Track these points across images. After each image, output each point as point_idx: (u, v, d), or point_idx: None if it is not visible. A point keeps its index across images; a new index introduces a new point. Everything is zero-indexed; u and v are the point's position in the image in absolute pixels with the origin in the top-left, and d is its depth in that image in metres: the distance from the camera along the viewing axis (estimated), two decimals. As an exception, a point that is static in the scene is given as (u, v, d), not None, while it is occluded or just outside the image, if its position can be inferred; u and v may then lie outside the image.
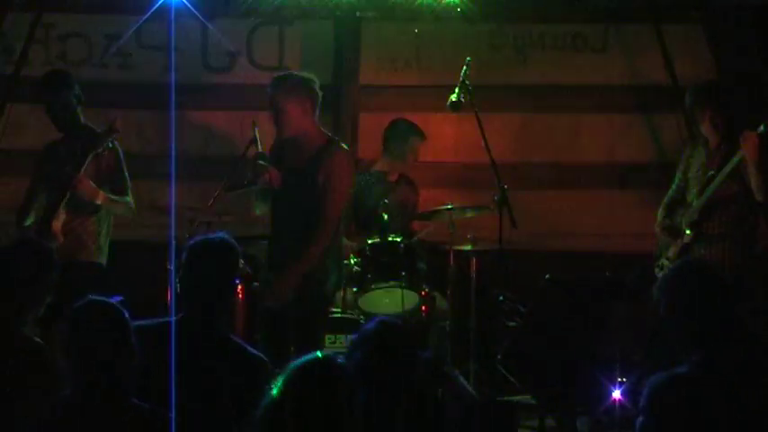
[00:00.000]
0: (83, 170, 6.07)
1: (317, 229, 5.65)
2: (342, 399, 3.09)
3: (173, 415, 3.48)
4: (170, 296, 6.31)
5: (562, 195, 8.13)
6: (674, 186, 6.60)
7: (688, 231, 6.27)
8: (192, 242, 4.25)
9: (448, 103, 6.99)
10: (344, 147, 5.84)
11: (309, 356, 3.23)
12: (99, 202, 6.20)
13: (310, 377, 3.12)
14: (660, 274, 6.38)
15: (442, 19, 7.67)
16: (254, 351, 4.10)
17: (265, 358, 4.09)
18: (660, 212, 6.56)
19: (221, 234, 4.32)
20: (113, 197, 6.25)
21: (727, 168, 6.13)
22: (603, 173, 8.05)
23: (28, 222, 6.32)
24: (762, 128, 5.99)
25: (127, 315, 3.55)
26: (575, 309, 6.17)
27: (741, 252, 6.25)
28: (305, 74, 5.87)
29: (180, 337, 3.91)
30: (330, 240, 5.67)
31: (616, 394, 5.96)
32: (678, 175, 6.58)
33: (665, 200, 6.60)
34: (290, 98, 5.69)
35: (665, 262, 6.40)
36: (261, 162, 5.74)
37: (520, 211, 6.87)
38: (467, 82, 6.94)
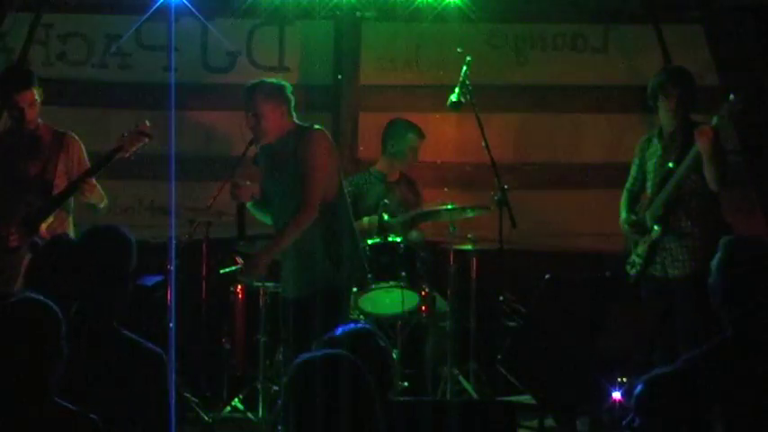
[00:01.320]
0: (96, 174, 6.10)
1: (296, 211, 5.67)
2: (346, 389, 3.09)
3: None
4: (170, 296, 6.31)
5: (562, 195, 8.13)
6: (630, 180, 6.64)
7: (656, 228, 6.31)
8: (83, 233, 4.17)
9: (448, 103, 7.00)
10: (318, 128, 5.83)
11: (313, 351, 3.23)
12: (102, 206, 6.23)
13: (311, 370, 3.12)
14: (632, 272, 6.44)
15: (442, 19, 7.67)
16: (150, 345, 4.01)
17: (161, 352, 4.02)
18: (622, 208, 6.59)
19: (113, 225, 4.22)
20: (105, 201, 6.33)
21: (686, 162, 6.19)
22: (603, 173, 8.05)
23: None
24: (715, 120, 6.08)
25: (57, 313, 3.48)
26: (575, 309, 6.16)
27: (710, 244, 6.25)
28: (275, 80, 5.89)
29: (72, 328, 3.80)
30: (310, 221, 5.67)
31: (616, 394, 5.97)
32: (634, 168, 6.63)
33: (625, 194, 6.64)
34: (267, 103, 5.73)
35: (637, 259, 6.43)
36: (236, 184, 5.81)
37: (520, 211, 6.87)
38: (467, 82, 6.95)
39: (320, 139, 5.77)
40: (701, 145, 6.07)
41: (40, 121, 6.36)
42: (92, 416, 3.40)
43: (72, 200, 6.29)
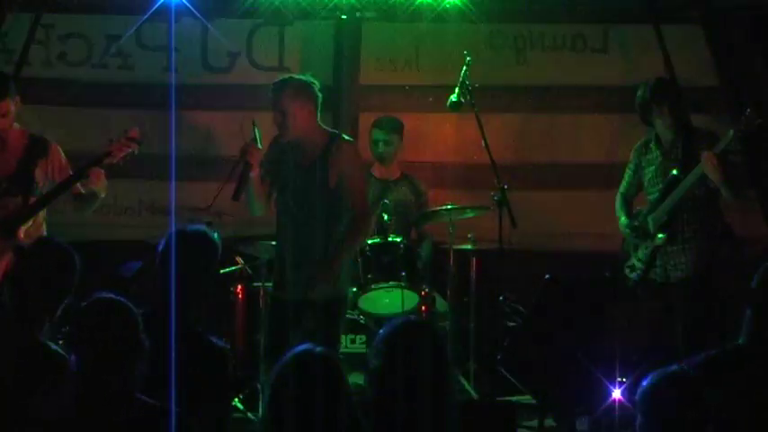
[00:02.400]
0: (82, 178, 6.06)
1: (356, 222, 5.78)
2: (327, 387, 3.12)
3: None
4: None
5: (562, 195, 8.13)
6: (625, 184, 6.70)
7: (661, 235, 6.31)
8: (169, 233, 4.23)
9: (448, 103, 6.99)
10: (348, 138, 5.90)
11: (294, 350, 3.27)
12: (103, 195, 6.19)
13: (294, 369, 3.15)
14: (632, 275, 6.44)
15: (442, 19, 7.67)
16: (218, 341, 4.13)
17: (228, 348, 4.13)
18: (620, 213, 6.61)
19: (200, 226, 4.30)
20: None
21: (692, 177, 6.21)
22: (603, 173, 8.05)
23: None
24: (731, 133, 6.12)
25: (134, 311, 3.54)
26: (575, 309, 6.17)
27: (711, 252, 6.30)
28: (305, 77, 5.90)
29: (148, 328, 3.90)
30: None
31: (616, 394, 5.97)
32: (629, 172, 6.68)
33: (619, 199, 6.69)
34: (295, 101, 5.74)
35: (638, 263, 6.44)
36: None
37: (520, 211, 6.87)
38: (467, 82, 6.94)
39: (355, 151, 5.95)
40: (711, 174, 6.12)
41: (16, 125, 6.21)
42: (176, 409, 3.43)
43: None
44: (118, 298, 3.55)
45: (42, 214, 6.22)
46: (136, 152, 6.04)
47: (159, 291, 4.15)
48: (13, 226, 5.98)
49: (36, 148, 6.20)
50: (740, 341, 3.92)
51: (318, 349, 3.27)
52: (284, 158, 5.86)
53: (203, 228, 4.31)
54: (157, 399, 3.51)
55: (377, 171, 7.59)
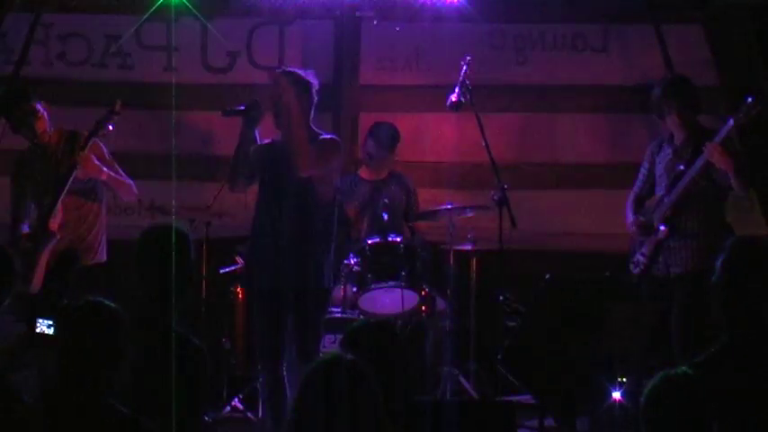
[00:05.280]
0: (86, 150, 6.10)
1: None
2: (349, 391, 3.13)
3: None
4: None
5: (562, 195, 8.13)
6: (638, 183, 6.67)
7: (662, 228, 6.34)
8: (140, 234, 4.18)
9: (448, 103, 6.99)
10: (332, 136, 5.88)
11: (322, 357, 3.27)
12: (104, 178, 6.21)
13: (320, 375, 3.16)
14: (636, 270, 6.46)
15: (442, 19, 7.67)
16: (196, 342, 4.11)
17: (204, 348, 4.11)
18: (629, 210, 6.62)
19: (172, 222, 4.24)
20: (115, 175, 6.30)
21: (694, 170, 6.21)
22: (603, 173, 8.06)
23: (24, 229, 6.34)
24: (731, 122, 6.10)
25: (123, 317, 3.51)
26: (575, 308, 6.17)
27: (712, 244, 6.30)
28: (306, 74, 5.91)
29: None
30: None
31: (616, 394, 5.97)
32: (643, 171, 6.65)
33: (631, 196, 6.66)
34: (292, 88, 5.74)
35: (641, 258, 6.47)
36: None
37: (520, 210, 6.87)
38: (467, 82, 6.95)
39: (335, 143, 5.87)
40: (719, 163, 6.11)
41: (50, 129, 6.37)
42: (146, 422, 3.42)
43: (98, 194, 6.33)
44: (106, 303, 3.52)
45: (96, 211, 6.32)
46: (117, 113, 6.10)
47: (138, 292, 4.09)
48: (43, 222, 6.06)
49: (72, 143, 6.29)
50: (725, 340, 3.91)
51: (349, 356, 3.27)
52: (271, 151, 5.85)
53: (176, 224, 4.22)
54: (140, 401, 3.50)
55: (364, 173, 7.58)
